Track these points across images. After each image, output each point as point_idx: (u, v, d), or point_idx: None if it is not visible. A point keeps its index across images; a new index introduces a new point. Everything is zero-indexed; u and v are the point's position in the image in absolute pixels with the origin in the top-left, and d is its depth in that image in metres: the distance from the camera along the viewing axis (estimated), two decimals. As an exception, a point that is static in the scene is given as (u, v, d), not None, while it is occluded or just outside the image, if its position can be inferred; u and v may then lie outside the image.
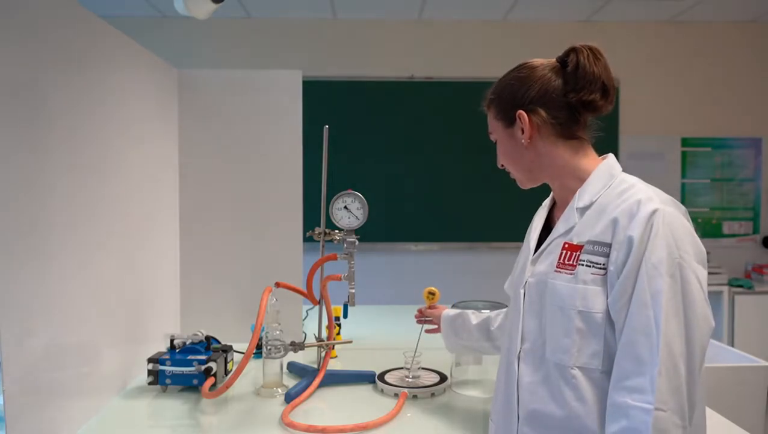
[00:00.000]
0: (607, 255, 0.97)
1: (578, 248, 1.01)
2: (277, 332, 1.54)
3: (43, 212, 1.20)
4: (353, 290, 1.59)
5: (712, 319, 0.95)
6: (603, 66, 1.05)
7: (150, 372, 1.52)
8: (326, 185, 1.67)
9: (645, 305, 0.92)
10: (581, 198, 1.05)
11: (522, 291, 1.10)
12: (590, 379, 0.98)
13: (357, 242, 1.61)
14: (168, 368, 1.52)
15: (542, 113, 1.07)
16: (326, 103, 4.07)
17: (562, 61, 1.08)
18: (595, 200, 1.03)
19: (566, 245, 1.03)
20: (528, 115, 1.07)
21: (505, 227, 4.16)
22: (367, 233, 1.71)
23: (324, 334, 1.69)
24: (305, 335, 1.99)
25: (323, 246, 1.68)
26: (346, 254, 1.60)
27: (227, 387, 1.37)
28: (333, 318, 1.68)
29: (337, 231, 1.63)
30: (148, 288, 1.75)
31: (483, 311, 1.54)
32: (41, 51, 1.20)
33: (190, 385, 1.53)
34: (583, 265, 0.99)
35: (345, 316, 2.23)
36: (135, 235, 1.64)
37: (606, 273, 0.97)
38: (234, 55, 4.26)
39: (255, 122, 2.02)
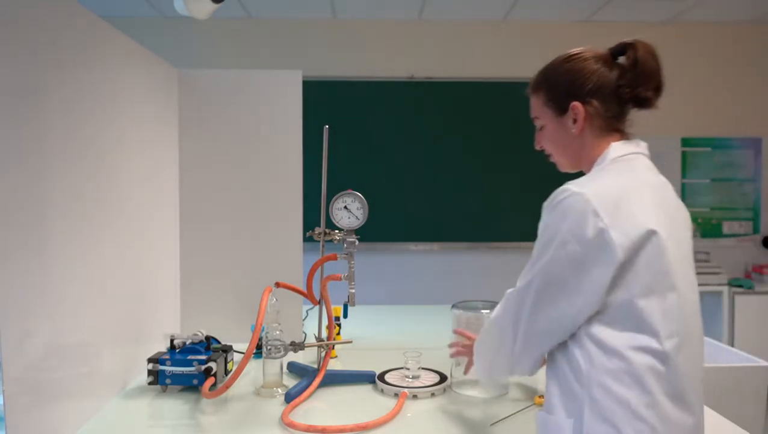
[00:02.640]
0: None
1: None
2: (277, 332, 1.54)
3: (43, 212, 1.20)
4: (353, 290, 1.59)
5: None
6: (658, 62, 1.08)
7: (150, 372, 1.52)
8: (326, 185, 1.67)
9: None
10: None
11: None
12: None
13: (357, 242, 1.61)
14: (168, 368, 1.52)
15: (597, 105, 1.09)
16: (326, 103, 4.07)
17: (615, 54, 1.11)
18: None
19: None
20: (584, 107, 1.09)
21: (505, 227, 4.17)
22: (367, 233, 1.71)
23: (324, 334, 1.69)
24: (305, 335, 1.99)
25: (323, 246, 1.68)
26: (346, 254, 1.60)
27: (227, 387, 1.37)
28: (333, 318, 1.68)
29: (337, 231, 1.63)
30: (148, 288, 1.75)
31: (483, 311, 1.54)
32: (41, 51, 1.20)
33: (190, 385, 1.53)
34: None
35: (345, 316, 2.23)
36: (135, 235, 1.64)
37: None
38: (234, 55, 4.27)
39: (255, 122, 2.02)
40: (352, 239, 1.61)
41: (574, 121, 1.11)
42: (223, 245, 2.01)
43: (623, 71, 1.09)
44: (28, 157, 1.15)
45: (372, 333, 2.24)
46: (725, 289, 3.92)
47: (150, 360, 1.53)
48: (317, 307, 1.70)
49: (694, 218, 4.38)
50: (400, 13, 4.18)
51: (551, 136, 1.16)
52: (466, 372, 1.45)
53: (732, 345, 3.75)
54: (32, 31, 1.16)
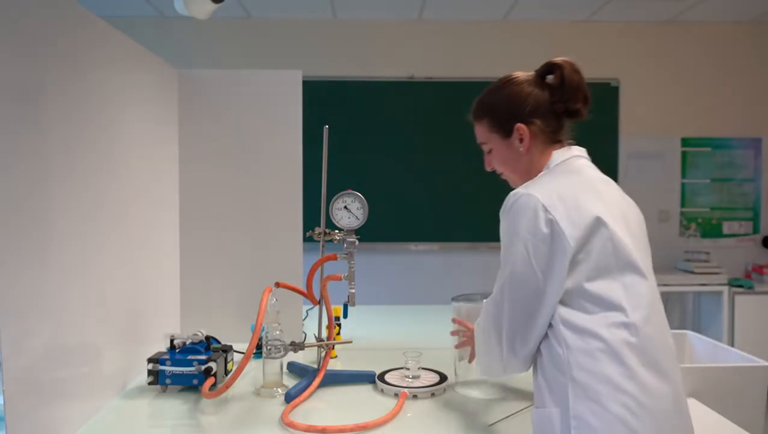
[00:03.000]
0: None
1: None
2: (277, 332, 1.54)
3: (43, 212, 1.20)
4: (353, 290, 1.59)
5: None
6: (582, 77, 1.19)
7: (150, 372, 1.52)
8: (326, 185, 1.67)
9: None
10: None
11: None
12: None
13: (357, 242, 1.61)
14: (168, 368, 1.51)
15: (539, 123, 1.20)
16: (326, 103, 4.07)
17: (543, 74, 1.22)
18: None
19: None
20: (527, 127, 1.19)
21: (505, 227, 4.16)
22: (367, 233, 1.71)
23: (324, 334, 1.69)
24: (305, 335, 1.99)
25: (323, 246, 1.68)
26: (346, 254, 1.60)
27: (227, 387, 1.37)
28: (333, 318, 1.68)
29: (337, 231, 1.63)
30: (148, 288, 1.75)
31: (484, 301, 1.53)
32: (41, 51, 1.20)
33: (190, 385, 1.53)
34: None
35: (345, 316, 2.23)
36: (135, 235, 1.64)
37: None
38: (234, 55, 4.27)
39: (255, 122, 2.02)
40: (352, 239, 1.61)
41: (521, 140, 1.21)
42: (223, 245, 2.01)
43: (553, 89, 1.20)
44: (28, 157, 1.15)
45: (372, 333, 2.24)
46: (725, 289, 3.92)
47: (150, 360, 1.53)
48: (317, 307, 1.70)
49: (694, 218, 4.38)
50: (400, 13, 4.18)
51: (501, 157, 1.27)
52: (470, 360, 1.48)
53: (732, 345, 3.75)
54: (32, 32, 1.16)
